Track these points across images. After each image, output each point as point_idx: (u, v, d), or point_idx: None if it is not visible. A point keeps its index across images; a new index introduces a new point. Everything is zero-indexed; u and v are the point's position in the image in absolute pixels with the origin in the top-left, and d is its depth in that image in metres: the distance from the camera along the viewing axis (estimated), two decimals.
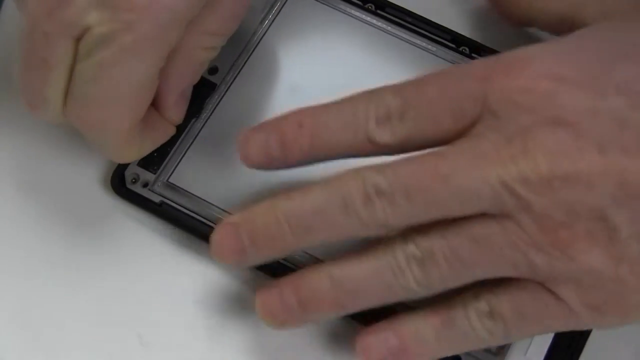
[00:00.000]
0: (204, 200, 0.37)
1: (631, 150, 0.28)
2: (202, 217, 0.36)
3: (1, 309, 0.36)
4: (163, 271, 0.37)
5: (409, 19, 0.40)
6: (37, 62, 0.32)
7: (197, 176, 0.37)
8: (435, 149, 0.30)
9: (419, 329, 0.32)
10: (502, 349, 0.35)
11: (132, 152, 0.35)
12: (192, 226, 0.36)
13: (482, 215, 0.29)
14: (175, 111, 0.36)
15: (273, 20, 0.40)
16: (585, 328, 0.31)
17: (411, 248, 0.30)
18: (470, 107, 0.29)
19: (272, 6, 0.40)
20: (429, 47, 0.39)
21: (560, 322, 0.30)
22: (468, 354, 0.35)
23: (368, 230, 0.30)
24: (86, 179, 0.38)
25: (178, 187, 0.37)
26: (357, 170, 0.30)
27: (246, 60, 0.39)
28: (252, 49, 0.40)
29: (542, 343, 0.35)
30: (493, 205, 0.29)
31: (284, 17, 0.40)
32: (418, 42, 0.40)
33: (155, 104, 0.35)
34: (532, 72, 0.29)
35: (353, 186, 0.30)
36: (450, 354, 0.33)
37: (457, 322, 0.31)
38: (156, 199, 0.37)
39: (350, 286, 0.32)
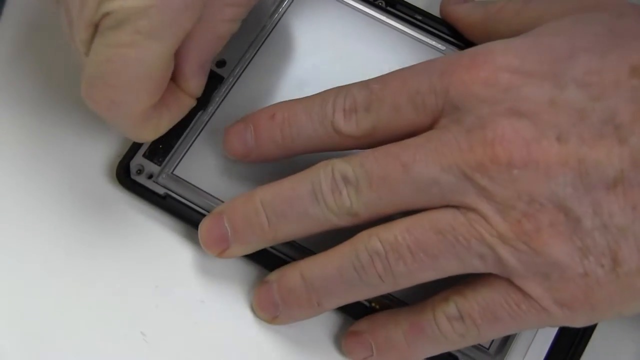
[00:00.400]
0: (209, 194, 0.37)
1: (590, 140, 0.28)
2: (206, 210, 0.36)
3: (1, 305, 0.36)
4: (166, 266, 0.37)
5: (419, 17, 0.40)
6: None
7: (202, 169, 0.37)
8: (401, 141, 0.31)
9: (390, 335, 0.33)
10: (501, 350, 0.35)
11: (149, 131, 0.35)
12: (195, 219, 0.36)
13: (447, 207, 0.30)
14: (195, 84, 0.36)
15: (283, 14, 0.40)
16: (560, 325, 0.30)
17: (373, 242, 0.31)
18: (432, 100, 0.30)
19: (282, 0, 0.40)
20: (438, 45, 0.39)
21: (533, 320, 0.30)
22: (466, 355, 0.35)
23: (338, 219, 0.31)
24: (91, 170, 0.38)
25: (183, 179, 0.37)
26: (328, 161, 0.32)
27: (254, 54, 0.39)
28: (260, 43, 0.39)
29: (542, 345, 0.35)
30: (455, 195, 0.29)
31: (293, 12, 0.40)
32: (427, 39, 0.40)
33: (174, 77, 0.35)
34: (492, 65, 0.30)
35: (322, 174, 0.31)
36: (425, 356, 0.33)
37: (425, 327, 0.32)
38: (160, 190, 0.37)
39: (320, 285, 0.32)
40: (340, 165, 0.31)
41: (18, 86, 0.40)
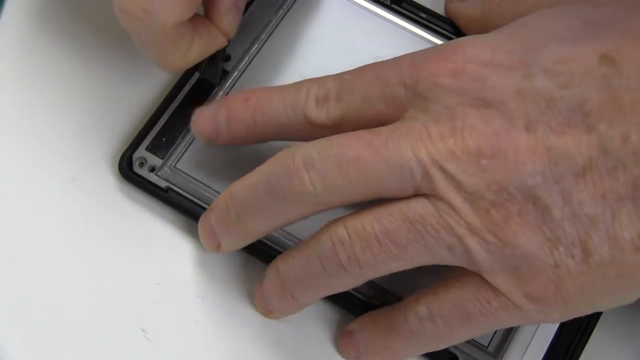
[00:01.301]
0: (210, 187, 0.37)
1: (559, 129, 0.28)
2: (207, 204, 0.36)
3: (2, 302, 0.36)
4: (167, 261, 0.37)
5: (424, 15, 0.40)
6: None
7: (204, 163, 0.37)
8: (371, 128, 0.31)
9: (372, 336, 0.33)
10: (501, 349, 0.34)
11: (179, 56, 0.35)
12: (197, 213, 0.36)
13: (417, 197, 0.29)
14: (228, 20, 0.36)
15: (288, 11, 0.40)
16: (534, 322, 0.30)
17: (339, 230, 0.30)
18: (401, 91, 0.30)
19: None
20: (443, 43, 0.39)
21: (505, 317, 0.29)
22: (465, 353, 0.34)
23: (304, 206, 0.31)
24: (94, 162, 0.38)
25: (185, 172, 0.37)
26: (292, 146, 0.31)
27: (259, 49, 0.39)
28: (265, 39, 0.40)
29: (542, 343, 0.34)
30: (425, 182, 0.29)
31: (299, 8, 0.40)
32: (432, 38, 0.40)
33: (209, 13, 0.36)
34: (461, 57, 0.30)
35: (285, 160, 0.31)
36: (407, 356, 0.33)
37: (399, 328, 0.32)
38: (162, 184, 0.37)
39: (288, 278, 0.32)
40: (304, 149, 0.30)
41: (21, 78, 0.40)
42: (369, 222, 0.30)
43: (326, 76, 0.33)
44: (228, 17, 0.36)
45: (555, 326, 0.35)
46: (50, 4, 0.42)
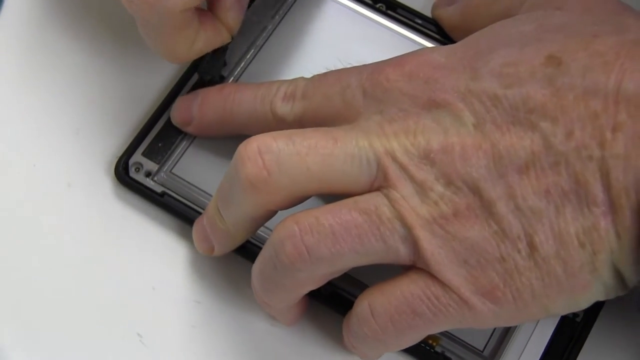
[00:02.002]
0: (206, 193, 0.37)
1: (504, 126, 0.29)
2: (203, 209, 0.36)
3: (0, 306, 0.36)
4: (163, 266, 0.37)
5: (419, 21, 0.40)
6: None
7: (200, 168, 0.37)
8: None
9: (344, 335, 0.33)
10: (496, 353, 0.35)
11: (184, 47, 0.35)
12: (193, 218, 0.36)
13: (371, 192, 0.30)
14: (232, 15, 0.37)
15: (284, 16, 0.40)
16: (486, 324, 0.30)
17: (288, 225, 0.30)
18: (359, 94, 0.32)
19: (284, 2, 0.41)
20: None
21: (455, 315, 0.29)
22: (459, 356, 0.35)
23: (261, 196, 0.31)
24: (90, 167, 0.38)
25: (181, 178, 0.37)
26: (257, 137, 0.31)
27: (255, 55, 0.39)
28: (261, 44, 0.40)
29: (537, 347, 0.35)
30: (379, 173, 0.30)
31: (295, 14, 0.40)
32: (426, 43, 0.40)
33: (212, 8, 0.36)
34: (416, 62, 0.31)
35: (240, 150, 0.31)
36: (374, 357, 0.33)
37: (352, 329, 0.32)
38: (158, 189, 0.37)
39: (256, 283, 0.32)
40: (262, 137, 0.31)
41: (16, 83, 0.40)
42: (323, 215, 0.30)
43: (300, 77, 0.34)
44: (232, 12, 0.36)
45: (551, 330, 0.35)
46: (46, 9, 0.42)
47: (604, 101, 0.27)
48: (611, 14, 0.32)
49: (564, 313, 0.30)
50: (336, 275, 0.32)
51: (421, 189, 0.29)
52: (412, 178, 0.29)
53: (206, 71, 0.38)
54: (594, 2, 0.33)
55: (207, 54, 0.37)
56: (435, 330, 0.31)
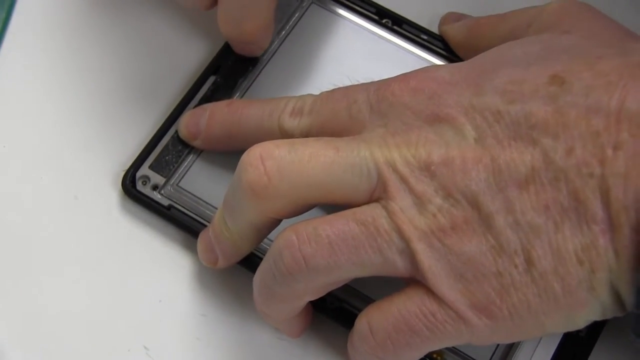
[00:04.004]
0: (213, 206, 0.37)
1: (505, 140, 0.29)
2: (209, 222, 0.36)
3: (5, 318, 0.36)
4: (169, 278, 0.37)
5: (425, 37, 0.40)
6: None
7: (207, 182, 0.38)
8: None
9: (349, 350, 0.33)
10: None
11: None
12: (199, 231, 0.36)
13: (369, 203, 0.30)
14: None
15: (290, 32, 0.41)
16: (482, 341, 0.30)
17: (287, 234, 0.30)
18: (366, 109, 0.32)
19: (290, 18, 0.41)
20: (443, 64, 0.40)
21: (451, 332, 0.29)
22: None
23: (261, 202, 0.31)
24: (97, 180, 0.39)
25: (188, 191, 0.37)
26: (260, 144, 0.31)
27: (260, 71, 0.40)
28: (267, 60, 0.40)
29: (543, 357, 0.35)
30: (379, 184, 0.30)
31: (301, 30, 0.41)
32: (432, 58, 0.40)
33: None
34: (422, 77, 0.31)
35: (249, 156, 0.31)
36: None
37: (354, 345, 0.32)
38: (165, 202, 0.37)
39: (256, 293, 0.33)
40: (265, 146, 0.31)
41: (24, 96, 0.41)
42: (321, 225, 0.30)
43: (308, 94, 0.35)
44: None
45: (555, 346, 0.35)
46: (54, 21, 0.42)
47: (606, 120, 0.28)
48: (617, 39, 0.32)
49: (561, 331, 0.30)
50: (335, 287, 0.32)
51: (420, 201, 0.29)
52: (411, 190, 0.29)
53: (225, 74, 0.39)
54: (600, 28, 0.33)
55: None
56: (434, 347, 0.31)
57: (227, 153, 0.38)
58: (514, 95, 0.29)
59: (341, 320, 0.35)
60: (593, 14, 0.34)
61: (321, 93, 0.34)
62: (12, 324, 0.36)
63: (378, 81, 0.33)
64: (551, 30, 0.34)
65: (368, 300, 0.35)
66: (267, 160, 0.30)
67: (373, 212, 0.30)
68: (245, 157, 0.31)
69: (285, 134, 0.34)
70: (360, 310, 0.33)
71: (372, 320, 0.30)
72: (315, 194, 0.31)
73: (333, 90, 0.34)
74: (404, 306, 0.30)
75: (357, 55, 0.40)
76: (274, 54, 0.40)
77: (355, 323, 0.31)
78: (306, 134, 0.34)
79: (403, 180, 0.30)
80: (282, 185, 0.30)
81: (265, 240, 0.34)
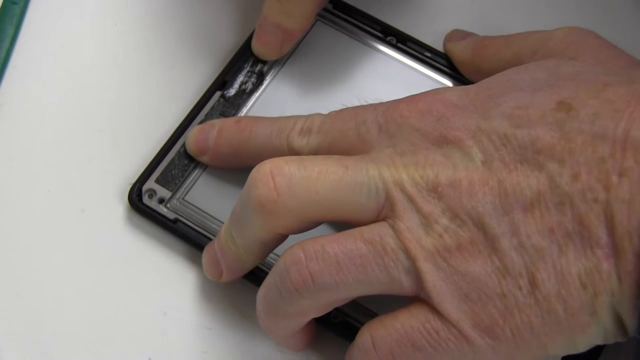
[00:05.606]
0: (218, 220, 0.37)
1: (511, 164, 0.29)
2: (215, 236, 0.36)
3: (10, 327, 0.37)
4: (175, 291, 0.37)
5: (429, 54, 0.41)
6: None
7: (212, 196, 0.38)
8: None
9: None
10: None
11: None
12: (204, 245, 0.36)
13: (377, 222, 0.30)
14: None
15: (294, 51, 0.41)
16: None
17: (295, 251, 0.31)
18: (374, 129, 0.32)
19: None
20: (447, 81, 0.40)
21: (454, 350, 0.29)
22: None
23: (270, 218, 0.31)
24: (104, 193, 0.39)
25: (193, 205, 0.38)
26: (270, 160, 0.32)
27: (265, 88, 0.40)
28: (272, 78, 0.40)
29: None
30: (386, 203, 0.30)
31: (306, 47, 0.41)
32: (436, 76, 0.40)
33: None
34: (430, 99, 0.32)
35: (259, 171, 0.31)
36: None
37: (354, 358, 0.32)
38: (171, 215, 0.37)
39: (260, 309, 0.33)
40: (275, 162, 0.31)
41: (31, 108, 0.41)
42: (329, 243, 0.30)
43: (316, 113, 0.35)
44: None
45: None
46: (61, 37, 0.43)
47: (612, 147, 0.28)
48: (623, 67, 0.33)
49: (562, 354, 0.30)
50: (340, 304, 0.32)
51: (427, 221, 0.30)
52: (418, 210, 0.30)
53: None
54: (606, 55, 0.34)
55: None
56: None
57: (234, 167, 0.38)
58: (521, 120, 0.30)
59: (344, 334, 0.36)
60: (599, 42, 0.35)
61: (329, 112, 0.35)
62: (15, 337, 0.36)
63: (387, 102, 0.33)
64: (557, 56, 0.34)
65: (371, 315, 0.35)
66: (277, 177, 0.31)
67: (380, 231, 0.30)
68: (255, 173, 0.31)
69: (293, 153, 0.35)
70: (363, 325, 0.33)
71: (375, 334, 0.31)
72: (323, 211, 0.31)
73: (342, 110, 0.34)
74: (408, 322, 0.30)
75: (361, 72, 0.40)
76: (278, 72, 0.40)
77: (357, 336, 0.31)
78: (315, 152, 0.34)
79: (411, 200, 0.30)
80: (291, 201, 0.31)
81: (271, 254, 0.35)
